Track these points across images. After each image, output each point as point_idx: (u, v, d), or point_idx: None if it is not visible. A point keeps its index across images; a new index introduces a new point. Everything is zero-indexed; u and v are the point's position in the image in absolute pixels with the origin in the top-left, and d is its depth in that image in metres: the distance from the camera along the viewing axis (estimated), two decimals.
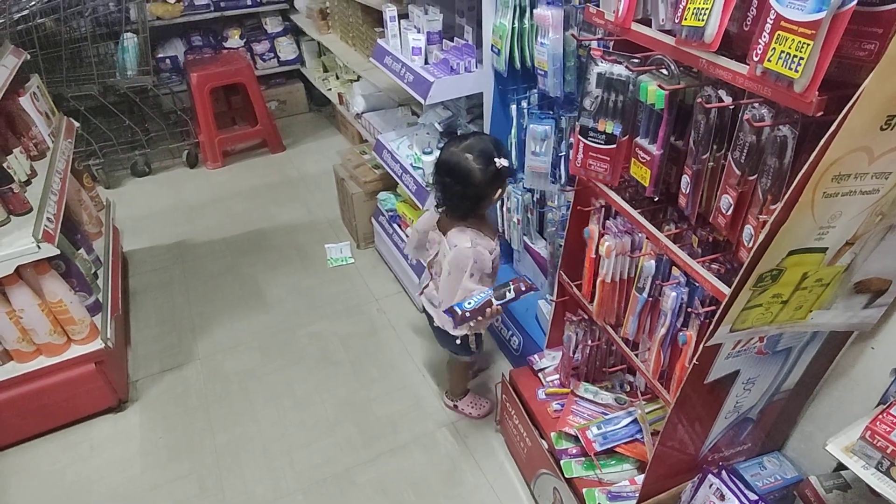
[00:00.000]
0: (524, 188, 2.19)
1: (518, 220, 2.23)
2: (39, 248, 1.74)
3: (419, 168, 2.39)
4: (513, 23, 1.84)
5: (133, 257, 3.08)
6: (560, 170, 1.99)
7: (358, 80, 3.56)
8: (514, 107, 2.04)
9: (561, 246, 1.94)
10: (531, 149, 1.92)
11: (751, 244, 0.97)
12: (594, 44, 1.33)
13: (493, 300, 1.52)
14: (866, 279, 1.00)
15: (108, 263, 2.44)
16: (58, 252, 1.81)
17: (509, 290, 1.55)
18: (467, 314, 1.50)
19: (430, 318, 1.92)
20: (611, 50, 1.18)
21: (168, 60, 4.12)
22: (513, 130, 2.09)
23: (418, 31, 2.19)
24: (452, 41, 2.16)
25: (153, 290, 2.82)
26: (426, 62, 2.20)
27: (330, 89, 4.05)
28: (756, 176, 0.99)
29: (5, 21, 3.10)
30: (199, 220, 3.39)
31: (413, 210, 2.54)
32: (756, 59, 0.84)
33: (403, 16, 2.36)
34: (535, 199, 2.18)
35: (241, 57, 4.02)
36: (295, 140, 4.28)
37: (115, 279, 2.41)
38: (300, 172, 3.86)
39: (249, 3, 4.20)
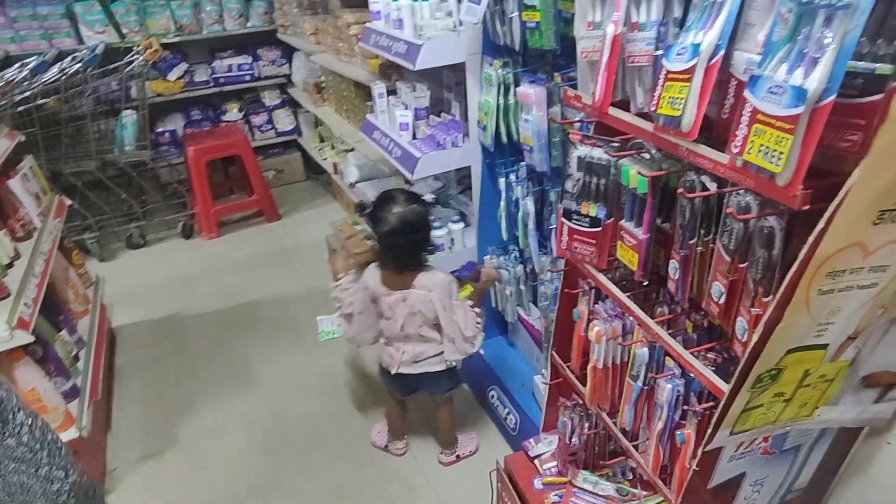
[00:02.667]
0: (516, 260, 2.15)
1: (511, 292, 2.17)
2: (12, 336, 1.69)
3: None
4: (497, 99, 1.85)
5: (122, 333, 3.01)
6: (552, 243, 1.95)
7: (352, 150, 3.60)
8: (502, 180, 2.03)
9: (554, 321, 1.86)
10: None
11: (745, 339, 0.91)
12: (576, 126, 1.31)
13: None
14: (874, 373, 0.93)
15: (92, 344, 2.38)
16: (32, 339, 1.75)
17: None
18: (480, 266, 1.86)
19: (408, 385, 1.98)
20: (591, 134, 1.15)
21: (167, 134, 4.20)
22: (501, 203, 2.07)
23: (406, 108, 2.21)
24: (440, 116, 2.18)
25: (140, 368, 2.74)
26: (414, 137, 2.21)
27: (325, 159, 4.10)
28: (746, 264, 0.93)
29: (6, 103, 3.17)
30: (192, 292, 3.34)
31: None
32: (735, 150, 0.81)
33: (392, 92, 2.40)
34: (527, 271, 2.13)
35: (237, 129, 4.10)
36: (291, 208, 4.30)
37: (97, 361, 2.33)
38: (295, 241, 3.85)
39: (248, 78, 4.32)
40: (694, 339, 1.15)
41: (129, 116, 3.61)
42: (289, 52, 4.38)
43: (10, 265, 2.03)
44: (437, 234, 2.19)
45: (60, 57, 3.55)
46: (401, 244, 1.70)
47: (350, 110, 3.37)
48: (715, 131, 0.97)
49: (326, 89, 3.75)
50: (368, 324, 1.89)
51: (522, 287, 2.16)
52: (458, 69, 2.18)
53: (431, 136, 2.09)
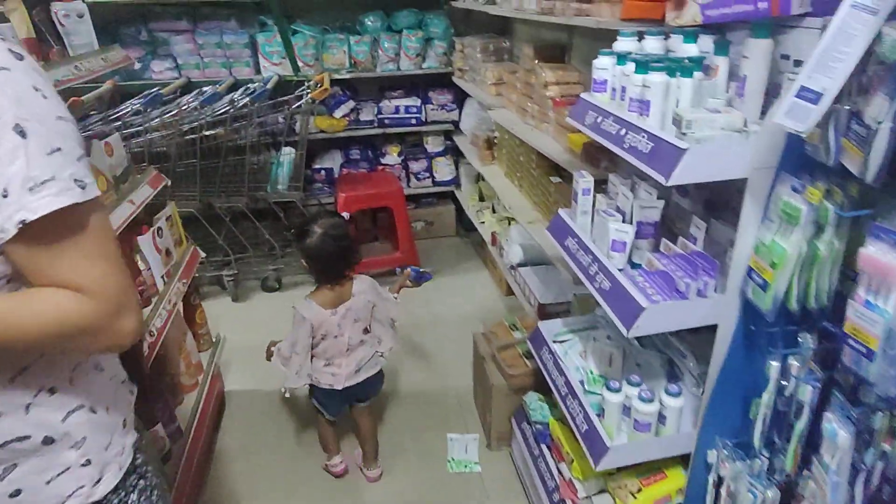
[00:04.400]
0: (768, 480, 1.37)
1: None
2: None
3: (594, 394, 1.67)
4: (802, 247, 1.13)
5: (232, 401, 2.68)
6: (856, 490, 1.16)
7: (514, 220, 3.02)
8: (775, 364, 1.28)
9: None
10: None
11: None
12: None
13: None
14: None
15: (190, 433, 2.01)
16: None
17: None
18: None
19: (347, 398, 2.10)
20: None
21: (323, 172, 3.96)
22: (765, 395, 1.31)
23: (623, 218, 1.55)
24: (675, 241, 1.48)
25: (239, 456, 2.35)
26: (630, 262, 1.53)
27: (483, 223, 3.57)
28: None
29: (174, 132, 3.07)
30: None
31: (573, 441, 1.79)
32: None
33: (601, 183, 1.76)
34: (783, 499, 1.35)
35: (392, 178, 3.74)
36: (435, 269, 3.81)
37: (190, 458, 1.96)
38: (433, 315, 3.33)
39: (413, 122, 3.96)
40: None
41: (286, 155, 3.39)
42: (461, 96, 3.96)
43: None
44: (644, 410, 1.48)
45: (235, 86, 3.44)
46: (332, 251, 1.89)
47: (524, 179, 2.79)
48: None
49: (499, 147, 3.22)
50: (304, 360, 1.96)
51: None
52: None
53: (663, 274, 1.40)
